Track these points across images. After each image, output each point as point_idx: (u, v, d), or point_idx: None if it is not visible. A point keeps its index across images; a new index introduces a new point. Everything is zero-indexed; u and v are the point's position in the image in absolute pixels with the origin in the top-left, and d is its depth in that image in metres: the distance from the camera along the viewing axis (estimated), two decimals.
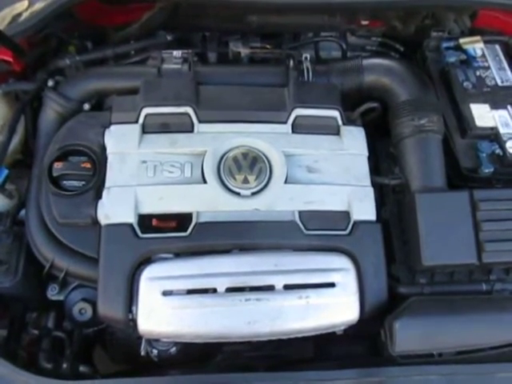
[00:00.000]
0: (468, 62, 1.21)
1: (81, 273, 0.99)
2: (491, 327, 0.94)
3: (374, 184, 1.05)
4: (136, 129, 1.03)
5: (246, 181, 1.00)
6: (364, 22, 1.32)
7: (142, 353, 0.99)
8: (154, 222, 0.97)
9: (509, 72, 1.20)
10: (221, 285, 0.92)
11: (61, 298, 1.01)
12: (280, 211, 0.99)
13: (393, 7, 1.23)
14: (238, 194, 1.00)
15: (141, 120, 1.04)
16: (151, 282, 0.92)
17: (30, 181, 1.06)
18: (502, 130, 1.09)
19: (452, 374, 0.93)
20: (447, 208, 0.98)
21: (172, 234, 0.96)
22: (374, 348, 1.06)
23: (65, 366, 1.04)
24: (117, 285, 0.92)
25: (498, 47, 1.25)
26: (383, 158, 1.16)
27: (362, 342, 1.13)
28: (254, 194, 1.00)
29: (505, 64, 1.21)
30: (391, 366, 0.94)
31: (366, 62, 1.18)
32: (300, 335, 0.96)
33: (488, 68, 1.20)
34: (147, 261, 0.95)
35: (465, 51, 1.23)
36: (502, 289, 1.00)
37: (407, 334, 0.91)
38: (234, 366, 1.09)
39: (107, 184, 0.99)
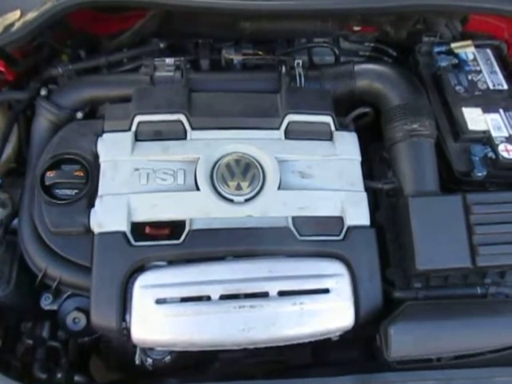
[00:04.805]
0: (460, 66, 1.22)
1: (74, 282, 0.98)
2: (486, 331, 0.94)
3: (367, 189, 1.05)
4: (129, 136, 1.03)
5: (239, 187, 1.00)
6: (356, 28, 1.33)
7: (137, 362, 0.98)
8: (147, 229, 0.97)
9: (500, 75, 1.20)
10: (215, 292, 0.92)
11: (54, 307, 1.01)
12: (273, 217, 0.99)
13: (384, 13, 1.23)
14: (231, 200, 1.00)
15: (133, 128, 1.04)
16: (145, 290, 0.91)
17: (22, 190, 1.06)
18: (494, 134, 1.09)
19: (448, 379, 0.92)
20: (440, 212, 0.98)
21: (165, 241, 0.96)
22: (370, 352, 1.06)
23: (59, 375, 1.03)
24: (110, 293, 0.91)
25: (489, 51, 1.26)
26: (376, 162, 1.16)
27: (360, 346, 1.12)
28: (247, 200, 1.00)
29: (496, 68, 1.22)
30: (387, 371, 0.93)
31: (357, 67, 1.19)
32: (295, 342, 0.96)
33: (480, 72, 1.21)
34: (140, 269, 0.95)
35: (456, 55, 1.24)
36: (497, 292, 0.99)
37: (402, 340, 0.91)
38: (232, 373, 1.09)
39: (100, 192, 0.99)
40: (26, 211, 1.03)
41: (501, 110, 1.13)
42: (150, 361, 0.98)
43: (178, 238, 0.95)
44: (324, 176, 1.05)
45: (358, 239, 0.99)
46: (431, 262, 0.96)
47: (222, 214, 0.98)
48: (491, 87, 1.18)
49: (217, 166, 1.02)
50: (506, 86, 1.18)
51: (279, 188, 1.01)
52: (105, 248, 0.94)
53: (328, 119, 1.09)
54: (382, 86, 1.14)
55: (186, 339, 0.91)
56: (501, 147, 1.07)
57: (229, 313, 0.91)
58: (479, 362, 0.94)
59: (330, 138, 1.09)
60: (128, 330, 0.91)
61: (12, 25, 1.10)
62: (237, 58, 1.25)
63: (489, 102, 1.15)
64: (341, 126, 1.10)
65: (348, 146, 1.08)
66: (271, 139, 1.06)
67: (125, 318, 0.91)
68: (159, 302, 0.91)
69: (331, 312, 0.94)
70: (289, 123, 1.07)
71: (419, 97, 1.13)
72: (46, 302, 1.01)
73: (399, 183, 1.06)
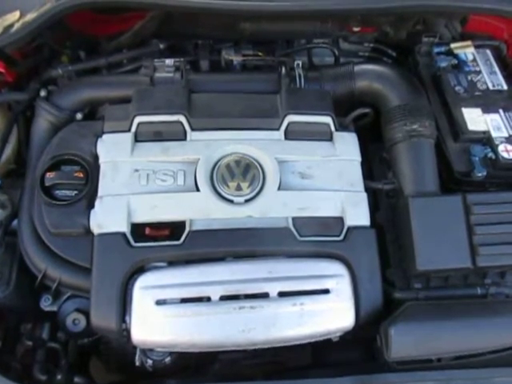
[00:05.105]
0: (459, 66, 1.22)
1: (74, 283, 0.98)
2: (487, 332, 0.94)
3: (367, 189, 1.05)
4: (128, 137, 1.03)
5: (239, 188, 1.00)
6: (356, 29, 1.33)
7: (137, 363, 0.98)
8: (147, 230, 0.97)
9: (500, 76, 1.20)
10: (215, 293, 0.92)
11: (54, 308, 1.00)
12: (274, 218, 0.99)
13: (383, 13, 1.24)
14: (231, 201, 1.00)
15: (133, 129, 1.04)
16: (144, 291, 0.91)
17: (22, 191, 1.06)
18: (494, 134, 1.09)
19: (448, 380, 0.92)
20: (441, 212, 0.98)
21: (165, 242, 0.96)
22: (371, 353, 1.06)
23: (59, 377, 1.03)
24: (110, 294, 0.91)
25: (488, 52, 1.26)
26: (376, 163, 1.16)
27: (360, 347, 1.12)
28: (247, 201, 1.00)
29: (496, 68, 1.22)
30: (387, 372, 0.93)
31: (357, 67, 1.19)
32: (295, 342, 0.96)
33: (479, 72, 1.21)
34: (140, 270, 0.95)
35: (456, 56, 1.24)
36: (497, 292, 0.99)
37: (402, 340, 0.91)
38: (232, 374, 1.09)
39: (100, 193, 0.99)
40: (25, 212, 1.03)
41: (500, 111, 1.14)
42: (149, 362, 0.98)
43: (178, 239, 0.95)
44: (324, 176, 1.05)
45: (358, 240, 0.99)
46: (431, 262, 0.96)
47: (222, 215, 0.98)
48: (491, 87, 1.18)
49: (217, 166, 1.02)
50: (505, 87, 1.18)
51: (279, 188, 1.01)
52: (105, 249, 0.94)
53: (328, 120, 1.09)
54: (381, 86, 1.15)
55: (186, 340, 0.91)
56: (501, 147, 1.07)
57: (229, 314, 0.91)
58: (479, 363, 0.94)
59: (329, 138, 1.09)
60: (128, 331, 0.91)
61: (11, 26, 1.10)
62: (236, 59, 1.25)
63: (488, 102, 1.15)
64: (341, 127, 1.11)
65: (348, 146, 1.08)
66: (271, 140, 1.06)
67: (125, 319, 0.91)
68: (159, 302, 0.91)
69: (331, 313, 0.94)
70: (289, 124, 1.07)
71: (419, 97, 1.13)
72: (46, 303, 1.00)
73: (399, 184, 1.06)
